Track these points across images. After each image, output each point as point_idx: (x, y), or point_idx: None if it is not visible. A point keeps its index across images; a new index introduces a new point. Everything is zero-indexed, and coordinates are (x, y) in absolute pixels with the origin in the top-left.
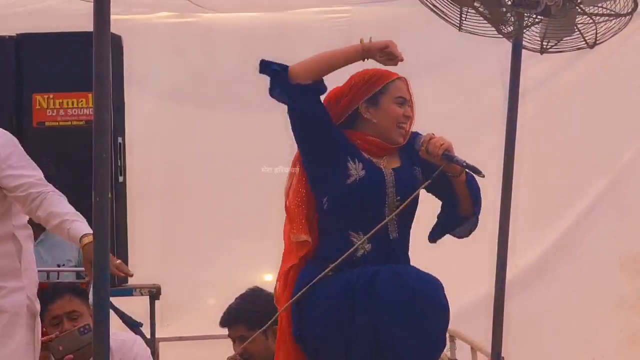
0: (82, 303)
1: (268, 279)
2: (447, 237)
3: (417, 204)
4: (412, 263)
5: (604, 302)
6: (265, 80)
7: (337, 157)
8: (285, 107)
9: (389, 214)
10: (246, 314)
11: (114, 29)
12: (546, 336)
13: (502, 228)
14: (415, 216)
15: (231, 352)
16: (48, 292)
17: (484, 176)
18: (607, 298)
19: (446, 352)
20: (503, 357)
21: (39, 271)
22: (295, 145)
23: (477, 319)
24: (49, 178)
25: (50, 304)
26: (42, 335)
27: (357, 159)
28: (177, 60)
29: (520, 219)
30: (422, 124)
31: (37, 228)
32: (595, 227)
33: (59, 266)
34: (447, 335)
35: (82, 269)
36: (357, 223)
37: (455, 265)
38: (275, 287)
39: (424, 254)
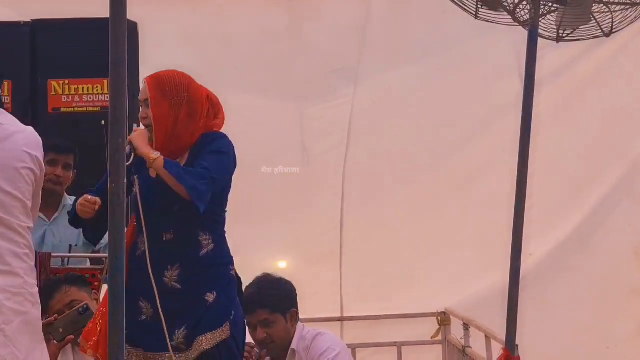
0: (80, 290)
1: (282, 266)
2: (464, 226)
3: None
4: (427, 254)
5: (619, 291)
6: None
7: None
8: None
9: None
10: (267, 298)
11: (129, 15)
12: (560, 325)
13: (517, 217)
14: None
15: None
16: (46, 289)
17: None
18: (621, 287)
19: (460, 339)
20: (517, 345)
21: (54, 257)
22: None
23: (492, 307)
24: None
25: (50, 300)
26: None
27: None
28: (192, 47)
29: (535, 209)
30: (438, 112)
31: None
32: (611, 216)
33: (70, 247)
34: (462, 323)
35: (98, 254)
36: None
37: (470, 254)
38: None
39: (440, 243)
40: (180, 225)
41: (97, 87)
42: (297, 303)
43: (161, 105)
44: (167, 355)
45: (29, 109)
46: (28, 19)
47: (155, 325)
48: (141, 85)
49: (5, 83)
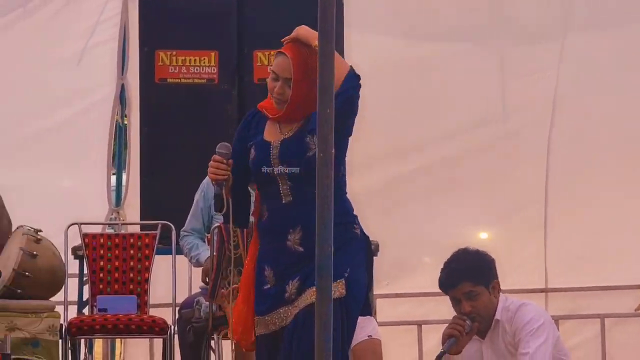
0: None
1: (484, 237)
2: None
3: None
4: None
5: None
6: None
7: None
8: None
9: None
10: (470, 271)
11: None
12: None
13: None
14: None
15: (449, 310)
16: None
17: None
18: None
19: None
20: None
21: None
22: None
23: None
24: None
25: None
26: None
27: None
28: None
29: None
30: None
31: None
32: None
33: None
34: None
35: None
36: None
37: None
38: None
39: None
40: (298, 187)
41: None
42: (497, 274)
43: (302, 87)
44: (281, 309)
45: (235, 80)
46: None
47: (275, 290)
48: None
49: (212, 53)
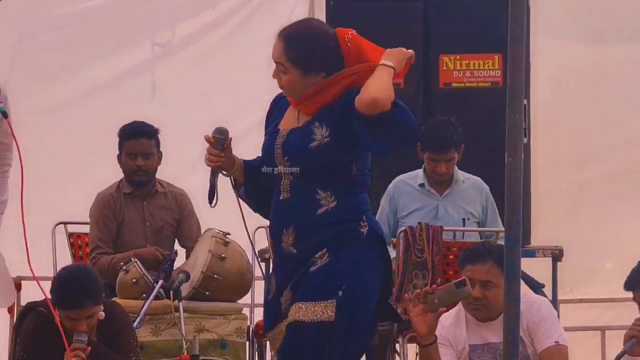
0: (502, 274)
1: None
2: None
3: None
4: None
5: None
6: None
7: None
8: None
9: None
10: None
11: None
12: None
13: None
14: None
15: (632, 316)
16: (469, 254)
17: None
18: None
19: None
20: None
21: (445, 230)
22: None
23: None
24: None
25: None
26: None
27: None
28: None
29: None
30: None
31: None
32: None
33: (463, 221)
34: None
35: (487, 229)
36: None
37: None
38: None
39: None
40: (297, 183)
41: (488, 62)
42: None
43: (294, 73)
44: (281, 325)
45: (420, 84)
46: None
47: (274, 302)
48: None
49: None
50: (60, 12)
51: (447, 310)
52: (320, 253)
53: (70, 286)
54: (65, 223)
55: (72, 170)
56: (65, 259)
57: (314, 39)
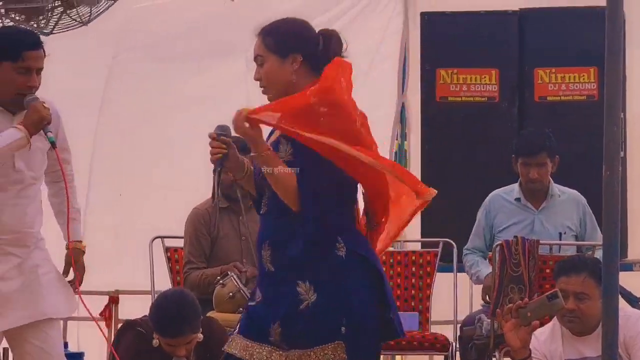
0: (597, 286)
1: None
2: None
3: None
4: None
5: None
6: None
7: None
8: None
9: None
10: None
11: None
12: None
13: None
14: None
15: None
16: (563, 266)
17: None
18: None
19: None
20: None
21: (541, 244)
22: None
23: None
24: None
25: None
26: None
27: None
28: None
29: None
30: None
31: None
32: None
33: (560, 235)
34: None
35: (583, 242)
36: None
37: None
38: None
39: None
40: (274, 197)
41: (583, 75)
42: None
43: (273, 64)
44: (265, 347)
45: (515, 97)
46: (516, 8)
47: (257, 312)
48: None
49: (493, 71)
50: (155, 27)
51: (542, 324)
52: (304, 286)
53: (170, 315)
54: (162, 237)
55: (169, 183)
56: (163, 274)
57: (290, 23)
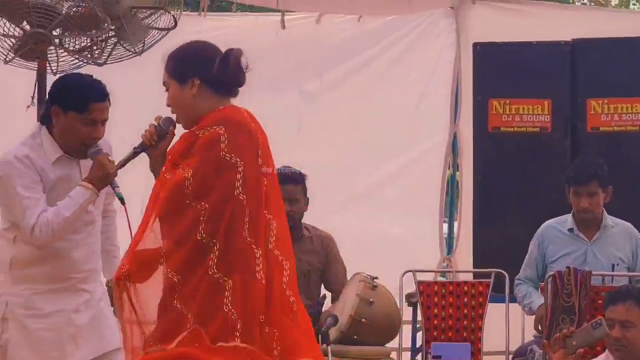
0: None
1: None
2: None
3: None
4: None
5: None
6: None
7: None
8: None
9: None
10: None
11: None
12: None
13: None
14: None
15: None
16: (610, 296)
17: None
18: None
19: None
20: None
21: (594, 275)
22: None
23: None
24: None
25: (612, 305)
26: None
27: None
28: None
29: None
30: None
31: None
32: None
33: (613, 266)
34: None
35: (635, 273)
36: None
37: None
38: None
39: None
40: None
41: (635, 106)
42: None
43: (171, 90)
44: None
45: (568, 128)
46: (569, 38)
47: None
48: None
49: (545, 102)
50: None
51: (595, 355)
52: None
53: None
54: None
55: None
56: None
57: (188, 47)
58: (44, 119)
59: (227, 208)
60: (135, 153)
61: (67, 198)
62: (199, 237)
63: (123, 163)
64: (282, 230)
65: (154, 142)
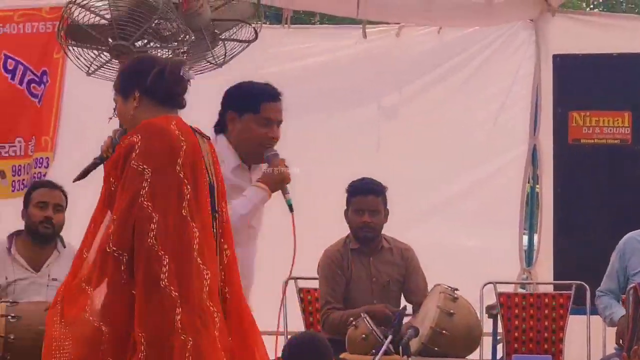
0: None
1: None
2: None
3: None
4: None
5: None
6: None
7: None
8: None
9: None
10: None
11: None
12: None
13: None
14: None
15: None
16: None
17: None
18: None
19: None
20: None
21: None
22: None
23: None
24: None
25: None
26: None
27: None
28: None
29: None
30: None
31: None
32: None
33: None
34: None
35: None
36: None
37: None
38: None
39: None
40: None
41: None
42: None
43: (119, 104)
44: None
45: None
46: None
47: None
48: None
49: (625, 114)
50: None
51: None
52: None
53: (305, 356)
54: (295, 278)
55: (300, 225)
56: (294, 314)
57: (131, 62)
58: (219, 127)
59: (131, 217)
60: (94, 164)
61: (242, 197)
62: (108, 250)
63: (83, 173)
64: (205, 238)
65: (110, 154)
